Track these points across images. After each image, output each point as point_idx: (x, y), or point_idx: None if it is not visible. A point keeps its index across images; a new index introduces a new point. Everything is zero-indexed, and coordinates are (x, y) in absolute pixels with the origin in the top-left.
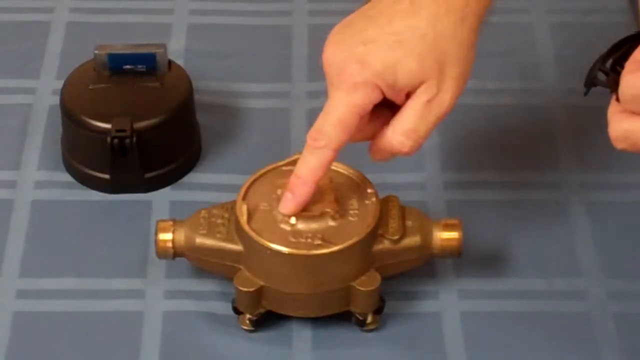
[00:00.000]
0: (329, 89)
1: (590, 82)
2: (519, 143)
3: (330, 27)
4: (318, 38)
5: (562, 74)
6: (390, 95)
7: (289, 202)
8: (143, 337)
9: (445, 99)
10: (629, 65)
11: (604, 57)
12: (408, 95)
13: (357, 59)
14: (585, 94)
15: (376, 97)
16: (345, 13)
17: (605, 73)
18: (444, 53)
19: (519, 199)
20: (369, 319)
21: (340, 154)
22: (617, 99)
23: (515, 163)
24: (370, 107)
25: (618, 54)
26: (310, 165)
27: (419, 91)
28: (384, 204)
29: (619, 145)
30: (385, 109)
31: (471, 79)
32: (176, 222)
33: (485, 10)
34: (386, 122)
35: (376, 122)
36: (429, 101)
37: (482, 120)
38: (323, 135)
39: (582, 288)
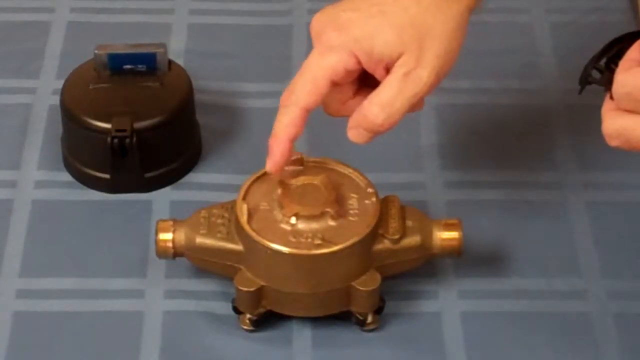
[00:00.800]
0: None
1: (585, 80)
2: (519, 143)
3: None
4: None
5: (562, 74)
6: (368, 66)
7: (268, 161)
8: (143, 337)
9: (423, 74)
10: (622, 63)
11: (598, 55)
12: (387, 71)
13: (337, 25)
14: (580, 91)
15: (350, 64)
16: None
17: (600, 71)
18: (426, 28)
19: (519, 199)
20: (369, 319)
21: (341, 154)
22: (611, 97)
23: (515, 163)
24: (342, 72)
25: (612, 52)
26: (281, 123)
27: (397, 64)
28: (384, 203)
29: (612, 142)
30: (370, 89)
31: (471, 79)
32: (176, 222)
33: None
34: None
35: (359, 99)
36: (405, 74)
37: (482, 120)
38: (292, 94)
39: (582, 288)
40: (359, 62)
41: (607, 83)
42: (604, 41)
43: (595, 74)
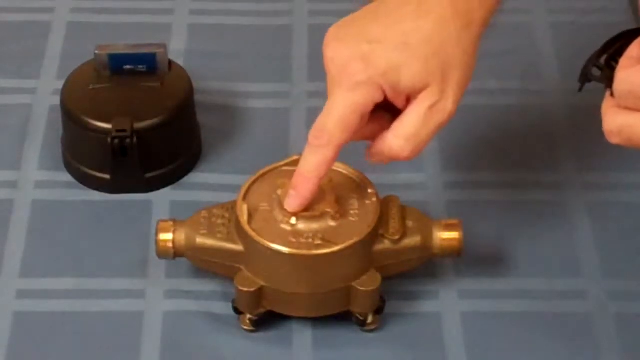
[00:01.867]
0: (330, 86)
1: (585, 78)
2: (519, 143)
3: (331, 26)
4: (318, 38)
5: (562, 74)
6: (391, 96)
7: (293, 199)
8: (143, 337)
9: (447, 105)
10: (623, 61)
11: (599, 53)
12: (408, 100)
13: (361, 57)
14: (580, 89)
15: (378, 97)
16: (345, 13)
17: (600, 68)
18: (448, 58)
19: (519, 199)
20: (370, 319)
21: (341, 154)
22: (612, 94)
23: (515, 163)
24: (371, 106)
25: (612, 50)
26: (312, 164)
27: (421, 96)
28: (384, 204)
29: (613, 139)
30: (384, 111)
31: (472, 80)
32: (177, 222)
33: (489, 17)
34: (384, 125)
35: (375, 123)
36: (431, 107)
37: (482, 120)
38: (324, 133)
39: (582, 288)
40: (384, 94)
41: (608, 80)
42: (599, 47)
43: (595, 72)
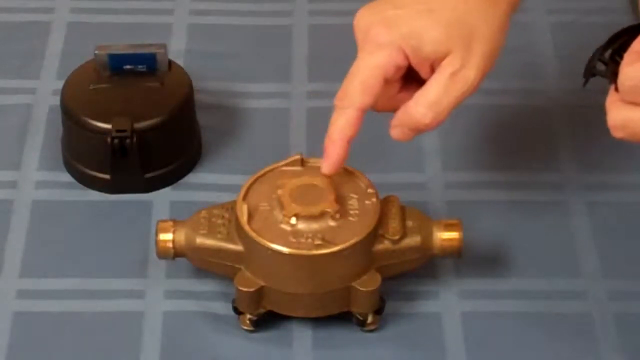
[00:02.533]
0: (358, 52)
1: (590, 72)
2: (519, 143)
3: (331, 27)
4: (318, 38)
5: (562, 74)
6: (415, 62)
7: (324, 163)
8: (143, 337)
9: (470, 74)
10: (628, 56)
11: (603, 48)
12: (433, 70)
13: (384, 21)
14: (584, 84)
15: (400, 60)
16: (345, 13)
17: (605, 63)
18: (472, 28)
19: (519, 199)
20: (370, 319)
21: None
22: (616, 89)
23: (515, 163)
24: (393, 69)
25: (617, 45)
26: (337, 126)
27: (443, 63)
28: (384, 204)
29: (618, 134)
30: (415, 83)
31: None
32: (176, 223)
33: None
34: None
35: (405, 94)
36: (453, 74)
37: (482, 120)
38: (347, 96)
39: (582, 288)
40: (408, 59)
41: (612, 75)
42: (604, 41)
43: (600, 66)
